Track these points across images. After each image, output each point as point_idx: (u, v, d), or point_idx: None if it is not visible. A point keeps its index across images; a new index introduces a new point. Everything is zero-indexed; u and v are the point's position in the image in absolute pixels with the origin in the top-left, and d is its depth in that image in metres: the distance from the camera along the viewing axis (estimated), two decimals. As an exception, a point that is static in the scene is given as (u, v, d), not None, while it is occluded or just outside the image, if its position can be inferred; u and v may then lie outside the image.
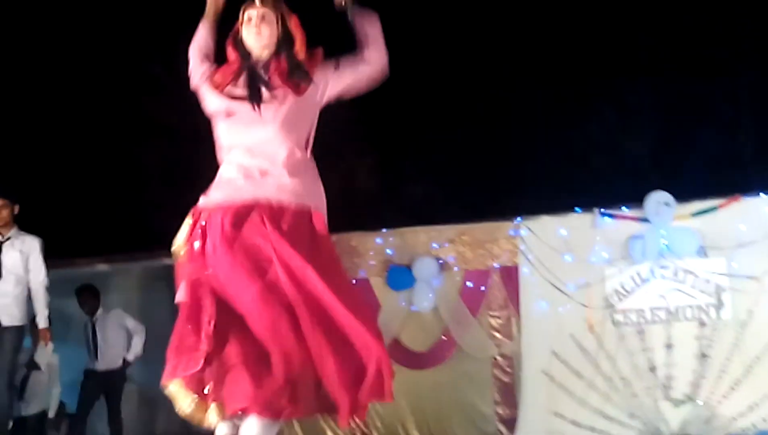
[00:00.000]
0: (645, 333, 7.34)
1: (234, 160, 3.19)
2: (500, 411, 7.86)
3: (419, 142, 13.40)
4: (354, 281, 8.35)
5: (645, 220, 7.45)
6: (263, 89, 3.19)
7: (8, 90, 12.23)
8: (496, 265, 7.97)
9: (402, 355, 8.17)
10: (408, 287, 8.11)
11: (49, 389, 8.00)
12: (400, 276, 8.13)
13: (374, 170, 13.93)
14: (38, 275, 6.45)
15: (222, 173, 3.21)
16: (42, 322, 6.42)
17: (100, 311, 8.12)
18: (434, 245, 8.15)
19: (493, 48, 12.96)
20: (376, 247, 8.34)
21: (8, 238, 6.45)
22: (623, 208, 7.66)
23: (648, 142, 12.58)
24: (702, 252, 7.31)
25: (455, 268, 8.09)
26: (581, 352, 7.46)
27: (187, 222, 3.15)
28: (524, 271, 7.78)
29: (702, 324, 7.22)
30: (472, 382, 7.99)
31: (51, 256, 9.02)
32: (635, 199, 7.59)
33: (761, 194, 7.36)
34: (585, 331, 7.48)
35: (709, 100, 12.37)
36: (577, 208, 7.82)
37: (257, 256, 2.96)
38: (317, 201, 3.22)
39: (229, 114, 3.21)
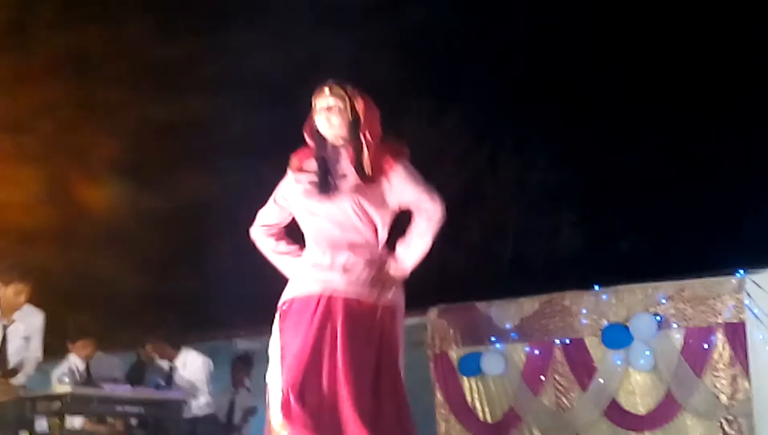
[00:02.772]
0: None
1: (310, 249, 3.45)
2: (730, 476, 7.45)
3: (627, 194, 13.12)
4: (568, 341, 8.31)
5: None
6: (332, 180, 3.36)
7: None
8: (719, 321, 7.62)
9: (621, 416, 7.95)
10: (625, 346, 7.89)
11: None
12: (617, 334, 7.94)
13: (581, 226, 13.76)
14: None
15: (307, 264, 3.43)
16: None
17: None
18: (652, 302, 7.92)
19: (707, 95, 12.56)
20: (591, 306, 8.20)
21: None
22: None
23: None
24: None
25: (675, 326, 7.82)
26: (820, 413, 6.97)
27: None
28: (752, 328, 7.39)
29: None
30: (697, 446, 7.63)
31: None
32: None
33: None
34: (823, 390, 6.99)
35: None
36: (807, 259, 7.39)
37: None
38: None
39: (320, 194, 3.39)
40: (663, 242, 12.39)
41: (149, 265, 13.85)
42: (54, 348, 6.83)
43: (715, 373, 7.61)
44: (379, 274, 3.32)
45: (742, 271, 7.57)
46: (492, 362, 8.55)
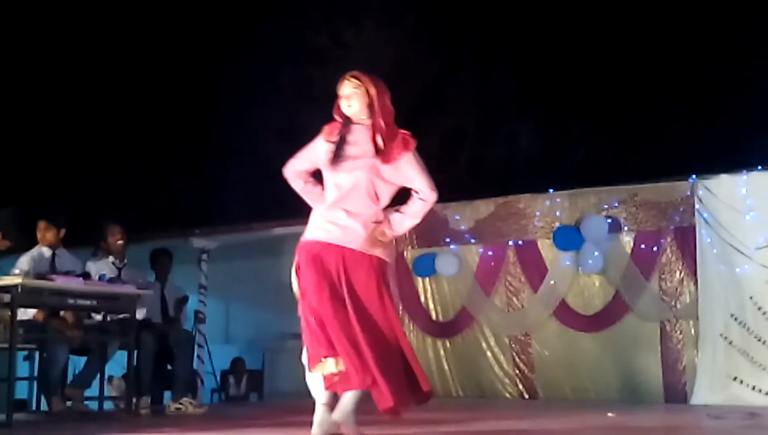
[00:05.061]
0: (833, 295, 6.96)
1: (328, 206, 4.17)
2: (668, 375, 7.66)
3: (585, 101, 13.09)
4: (521, 243, 8.42)
5: (833, 176, 7.03)
6: (345, 154, 4.10)
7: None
8: (670, 226, 7.74)
9: (569, 317, 8.13)
10: (576, 248, 8.00)
11: None
12: (568, 236, 8.04)
13: (539, 132, 13.75)
14: None
15: (318, 216, 4.21)
16: None
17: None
18: (605, 206, 8.01)
19: (668, 6, 12.48)
20: (545, 209, 8.28)
21: None
22: (809, 164, 7.26)
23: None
24: None
25: (626, 229, 7.93)
26: (762, 315, 7.15)
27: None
28: (701, 231, 7.51)
29: None
30: (640, 346, 7.83)
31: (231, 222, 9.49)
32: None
33: None
34: (766, 293, 7.15)
35: None
36: (758, 166, 7.46)
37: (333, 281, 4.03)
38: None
39: (331, 166, 4.15)
40: (620, 149, 12.44)
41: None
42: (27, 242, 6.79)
43: (663, 276, 7.78)
44: (373, 234, 4.06)
45: (694, 177, 7.66)
46: (446, 263, 8.65)
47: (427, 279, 8.91)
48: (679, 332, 7.70)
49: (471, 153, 14.36)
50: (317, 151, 4.26)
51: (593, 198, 8.11)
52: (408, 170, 4.15)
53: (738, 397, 7.06)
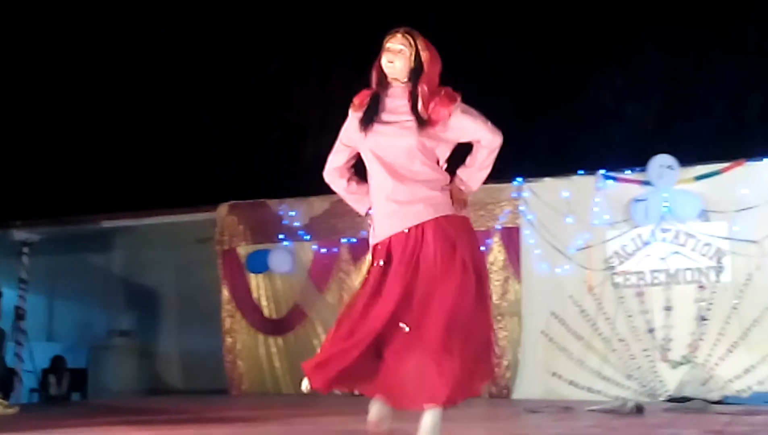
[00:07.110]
0: (644, 295, 7.37)
1: (377, 191, 3.63)
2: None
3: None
4: (355, 241, 8.44)
5: (648, 183, 7.43)
6: (381, 116, 3.60)
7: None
8: (497, 226, 7.98)
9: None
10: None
11: None
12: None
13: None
14: None
15: (377, 210, 3.64)
16: None
17: None
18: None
19: (494, 6, 12.82)
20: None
21: None
22: (626, 171, 7.65)
23: (653, 105, 12.47)
24: (704, 215, 7.30)
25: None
26: (580, 313, 7.51)
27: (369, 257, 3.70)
28: (525, 232, 7.79)
29: (701, 287, 7.23)
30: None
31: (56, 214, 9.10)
32: (639, 162, 7.55)
33: (764, 159, 7.33)
34: (584, 292, 7.51)
35: (716, 64, 12.23)
36: (579, 171, 7.81)
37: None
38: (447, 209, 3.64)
39: (363, 128, 3.62)
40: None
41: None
42: None
43: (490, 275, 7.98)
44: (453, 195, 3.60)
45: (520, 179, 7.93)
46: (280, 259, 8.58)
47: (260, 275, 8.82)
48: (505, 329, 7.94)
49: (312, 150, 14.37)
50: (349, 128, 3.74)
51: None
52: (461, 124, 3.66)
53: (556, 392, 7.38)
